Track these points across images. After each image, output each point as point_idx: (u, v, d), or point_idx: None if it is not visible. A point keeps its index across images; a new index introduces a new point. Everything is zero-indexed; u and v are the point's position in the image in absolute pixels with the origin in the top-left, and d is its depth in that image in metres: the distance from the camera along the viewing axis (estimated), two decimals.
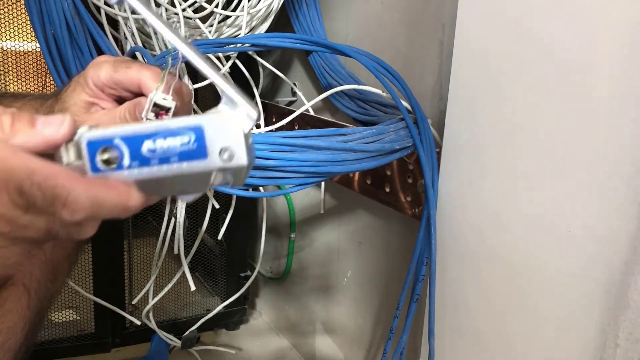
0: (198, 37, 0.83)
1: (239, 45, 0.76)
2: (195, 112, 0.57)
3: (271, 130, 0.85)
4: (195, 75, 0.95)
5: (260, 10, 0.86)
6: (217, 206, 0.85)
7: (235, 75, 0.90)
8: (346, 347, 0.98)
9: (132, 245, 1.01)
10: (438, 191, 0.64)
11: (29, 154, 0.31)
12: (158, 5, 0.79)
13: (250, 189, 0.61)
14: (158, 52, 0.80)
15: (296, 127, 0.93)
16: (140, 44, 0.79)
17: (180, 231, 0.83)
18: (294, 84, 1.02)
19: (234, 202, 0.90)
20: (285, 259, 1.12)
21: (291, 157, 0.57)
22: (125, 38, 0.79)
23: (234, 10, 0.85)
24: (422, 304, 0.66)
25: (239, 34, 0.86)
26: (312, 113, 0.90)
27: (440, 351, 0.64)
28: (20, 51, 0.88)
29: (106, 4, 0.77)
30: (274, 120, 0.98)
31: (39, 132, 0.32)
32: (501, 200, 0.57)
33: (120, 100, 0.44)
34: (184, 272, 0.83)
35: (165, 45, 0.79)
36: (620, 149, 0.46)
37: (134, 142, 0.32)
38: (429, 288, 0.64)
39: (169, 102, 0.39)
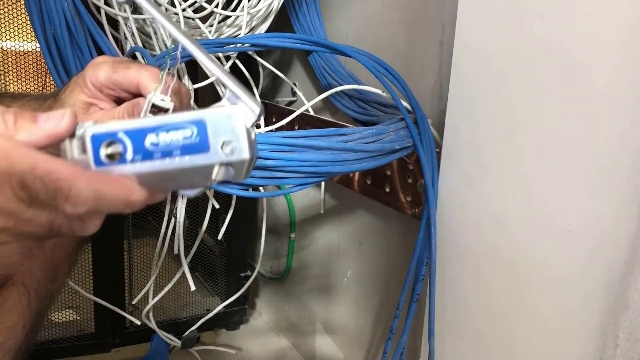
0: (198, 37, 0.84)
1: (239, 45, 0.76)
2: None
3: (271, 130, 0.85)
4: (195, 75, 0.95)
5: (260, 10, 0.86)
6: (217, 206, 0.85)
7: (235, 75, 0.89)
8: (346, 347, 0.98)
9: (132, 245, 1.01)
10: (438, 191, 0.64)
11: (31, 149, 0.31)
12: (158, 5, 0.79)
13: (250, 189, 0.61)
14: (158, 52, 0.80)
15: (296, 127, 0.93)
16: (140, 44, 0.79)
17: (180, 231, 0.83)
18: (294, 84, 1.02)
19: (234, 202, 0.90)
20: (285, 259, 1.12)
21: (291, 157, 0.57)
22: (125, 38, 0.79)
23: (234, 10, 0.85)
24: (422, 304, 0.66)
25: (239, 34, 0.86)
26: (312, 113, 0.90)
27: (440, 351, 0.64)
28: (20, 51, 0.88)
29: (106, 3, 0.77)
30: (274, 120, 0.98)
31: (41, 127, 0.33)
32: (501, 200, 0.57)
33: (118, 101, 0.45)
34: (184, 272, 0.83)
35: (165, 45, 0.79)
36: (620, 149, 0.46)
37: (137, 135, 0.32)
38: (429, 288, 0.64)
39: (167, 103, 0.40)
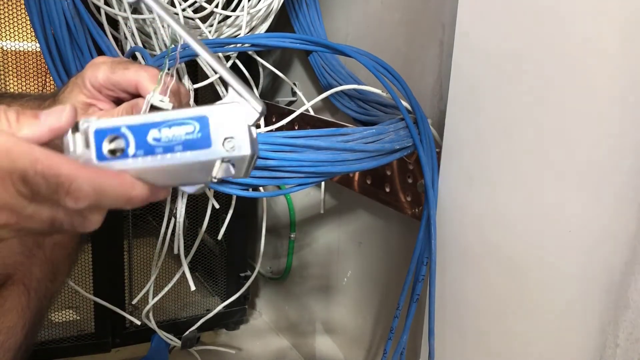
0: (198, 37, 0.83)
1: (239, 45, 0.76)
2: None
3: (271, 130, 0.85)
4: (195, 75, 0.95)
5: (260, 10, 0.86)
6: (217, 206, 0.85)
7: (237, 76, 0.90)
8: (346, 347, 0.98)
9: (132, 245, 1.01)
10: (438, 191, 0.64)
11: (32, 144, 0.31)
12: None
13: (250, 189, 0.61)
14: (158, 52, 0.80)
15: (296, 127, 0.93)
16: (140, 44, 0.79)
17: (180, 231, 0.83)
18: (294, 84, 1.02)
19: (234, 202, 0.90)
20: (285, 259, 1.12)
21: (291, 157, 0.57)
22: (125, 38, 0.79)
23: (234, 10, 0.86)
24: (422, 304, 0.66)
25: (239, 34, 0.86)
26: (312, 113, 0.90)
27: (440, 351, 0.64)
28: (20, 51, 0.88)
29: (106, 3, 0.77)
30: (274, 120, 0.98)
31: (43, 122, 0.33)
32: (501, 200, 0.57)
33: (117, 102, 0.45)
34: (184, 272, 0.83)
35: (165, 45, 0.79)
36: (620, 149, 0.46)
37: (140, 130, 0.33)
38: (429, 288, 0.64)
39: (166, 103, 0.40)
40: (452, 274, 0.63)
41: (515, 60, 0.54)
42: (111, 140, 0.33)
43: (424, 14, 0.77)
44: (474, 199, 0.60)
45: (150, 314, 0.90)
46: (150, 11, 0.76)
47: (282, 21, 0.97)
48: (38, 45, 0.74)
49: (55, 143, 0.34)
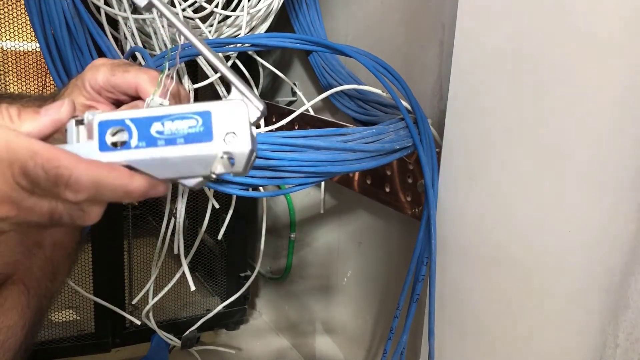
0: (200, 37, 0.83)
1: (239, 45, 0.76)
2: None
3: (271, 130, 0.85)
4: (195, 75, 0.95)
5: (260, 10, 0.86)
6: (217, 206, 0.85)
7: (239, 77, 0.90)
8: (346, 347, 0.98)
9: (132, 245, 1.02)
10: (438, 191, 0.64)
11: (31, 138, 0.32)
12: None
13: (250, 189, 0.61)
14: (158, 52, 0.80)
15: (296, 127, 0.93)
16: (140, 44, 0.79)
17: (180, 231, 0.83)
18: (294, 84, 1.02)
19: (234, 202, 0.90)
20: (285, 259, 1.12)
21: (291, 157, 0.57)
22: (125, 38, 0.79)
23: (234, 10, 0.86)
24: (422, 304, 0.66)
25: (239, 34, 0.86)
26: (312, 113, 0.90)
27: (440, 351, 0.64)
28: (20, 51, 0.88)
29: (106, 3, 0.77)
30: (274, 120, 0.98)
31: (44, 116, 0.34)
32: (501, 200, 0.57)
33: (117, 104, 0.45)
34: (183, 272, 0.83)
35: (165, 45, 0.79)
36: (620, 149, 0.46)
37: (143, 123, 0.34)
38: (429, 288, 0.64)
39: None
40: (452, 274, 0.63)
41: (516, 60, 0.54)
42: (114, 133, 0.34)
43: (424, 14, 0.77)
44: (473, 198, 0.60)
45: (150, 314, 0.90)
46: (151, 11, 0.76)
47: (282, 21, 0.97)
48: (38, 45, 0.74)
49: (56, 139, 0.34)
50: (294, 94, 1.04)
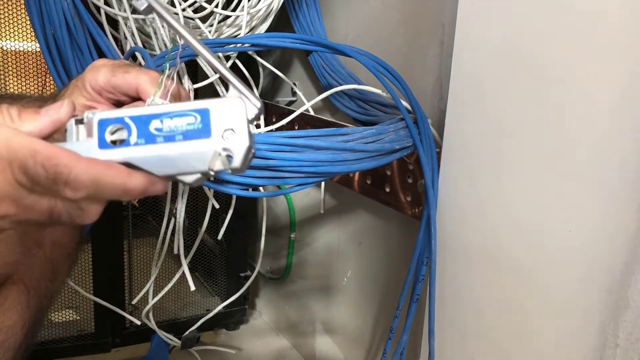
0: (198, 37, 0.83)
1: (239, 45, 0.76)
2: None
3: (271, 130, 0.85)
4: (195, 75, 0.95)
5: (260, 10, 0.86)
6: (217, 206, 0.85)
7: (237, 76, 0.90)
8: (346, 347, 0.98)
9: (132, 245, 1.01)
10: (438, 191, 0.64)
11: (31, 136, 0.32)
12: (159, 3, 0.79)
13: (250, 189, 0.61)
14: (158, 52, 0.80)
15: (296, 127, 0.93)
16: (140, 44, 0.79)
17: (180, 231, 0.83)
18: (294, 84, 1.02)
19: (233, 202, 0.90)
20: (285, 259, 1.12)
21: (291, 157, 0.57)
22: (125, 38, 0.79)
23: (234, 10, 0.86)
24: (422, 304, 0.66)
25: (239, 34, 0.86)
26: (312, 113, 0.90)
27: (440, 351, 0.64)
28: (20, 51, 0.88)
29: (106, 3, 0.77)
30: (274, 120, 0.98)
31: (44, 116, 0.34)
32: (501, 200, 0.57)
33: (118, 105, 0.45)
34: (183, 272, 0.83)
35: (165, 45, 0.79)
36: (620, 149, 0.46)
37: (142, 120, 0.34)
38: (429, 288, 0.64)
39: None
40: (452, 274, 0.63)
41: (516, 60, 0.54)
42: (114, 132, 0.34)
43: (424, 14, 0.77)
44: (474, 199, 0.60)
45: (150, 314, 0.90)
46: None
47: (282, 21, 0.97)
48: (38, 45, 0.74)
49: (55, 139, 0.34)
50: (294, 94, 1.04)
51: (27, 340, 0.53)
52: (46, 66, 0.75)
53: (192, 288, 0.81)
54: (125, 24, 0.78)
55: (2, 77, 0.89)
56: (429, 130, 0.66)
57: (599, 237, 0.48)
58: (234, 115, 0.34)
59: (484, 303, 0.60)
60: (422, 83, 0.76)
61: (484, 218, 0.59)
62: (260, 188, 0.87)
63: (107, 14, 0.77)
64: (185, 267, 0.83)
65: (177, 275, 0.86)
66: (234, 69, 0.89)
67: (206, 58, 0.37)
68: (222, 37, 0.86)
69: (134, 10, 0.78)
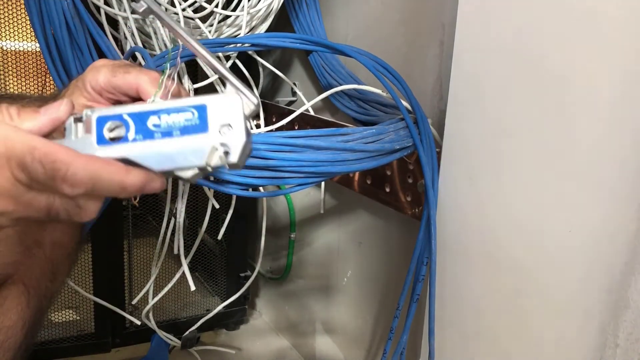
0: (198, 37, 0.83)
1: (239, 45, 0.76)
2: None
3: (271, 130, 0.85)
4: (195, 75, 0.95)
5: (260, 10, 0.86)
6: (217, 206, 0.85)
7: (235, 74, 0.90)
8: (346, 347, 0.98)
9: (132, 245, 1.01)
10: (438, 191, 0.64)
11: (30, 133, 0.32)
12: (158, 5, 0.79)
13: (250, 189, 0.61)
14: (158, 52, 0.80)
15: (296, 127, 0.93)
16: (140, 44, 0.79)
17: (180, 231, 0.83)
18: (294, 84, 1.02)
19: (233, 202, 0.90)
20: (285, 259, 1.12)
21: (291, 157, 0.57)
22: (125, 38, 0.79)
23: (234, 10, 0.85)
24: (422, 304, 0.66)
25: (239, 34, 0.86)
26: (312, 113, 0.90)
27: (440, 351, 0.64)
28: (20, 51, 0.88)
29: (106, 3, 0.77)
30: (274, 120, 0.98)
31: (43, 115, 0.35)
32: (501, 200, 0.57)
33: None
34: (183, 272, 0.83)
35: (165, 45, 0.79)
36: (620, 149, 0.46)
37: (140, 117, 0.35)
38: (429, 288, 0.64)
39: None
40: (452, 274, 0.63)
41: (516, 60, 0.54)
42: (112, 129, 0.35)
43: (424, 14, 0.77)
44: (474, 199, 0.60)
45: (150, 314, 0.90)
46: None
47: (282, 21, 0.97)
48: (38, 45, 0.74)
49: (55, 138, 0.35)
50: (294, 94, 1.04)
51: (27, 340, 0.53)
52: (46, 66, 0.75)
53: (192, 288, 0.81)
54: (125, 24, 0.78)
55: (2, 77, 0.89)
56: (429, 130, 0.66)
57: (599, 237, 0.48)
58: (231, 111, 0.34)
59: (484, 303, 0.60)
60: (422, 83, 0.76)
61: (484, 218, 0.59)
62: (260, 188, 0.87)
63: (107, 14, 0.77)
64: (185, 267, 0.83)
65: (177, 275, 0.86)
66: (234, 69, 0.89)
67: (204, 57, 0.37)
68: (222, 37, 0.86)
69: (134, 11, 0.78)
